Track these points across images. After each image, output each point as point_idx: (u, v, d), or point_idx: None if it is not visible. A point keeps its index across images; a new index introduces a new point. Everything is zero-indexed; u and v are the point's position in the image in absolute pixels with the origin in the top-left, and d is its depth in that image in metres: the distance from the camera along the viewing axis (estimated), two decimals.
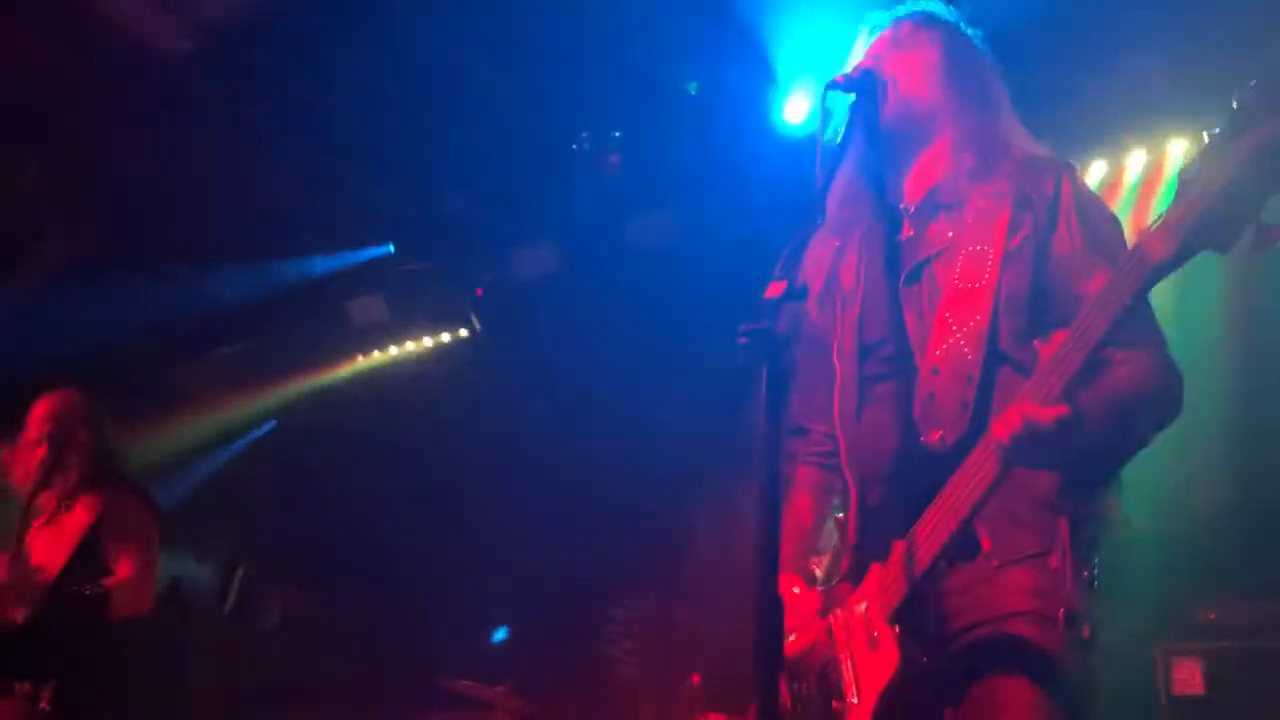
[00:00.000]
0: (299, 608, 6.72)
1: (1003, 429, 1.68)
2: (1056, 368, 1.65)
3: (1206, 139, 1.44)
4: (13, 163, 5.18)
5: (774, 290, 1.52)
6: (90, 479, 3.74)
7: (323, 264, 6.04)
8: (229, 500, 6.78)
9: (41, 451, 3.71)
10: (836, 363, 2.13)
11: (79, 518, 3.66)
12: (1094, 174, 4.52)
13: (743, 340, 1.49)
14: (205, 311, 5.97)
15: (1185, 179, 1.47)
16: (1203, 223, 1.44)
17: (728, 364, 1.54)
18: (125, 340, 5.77)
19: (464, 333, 6.51)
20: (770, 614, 1.51)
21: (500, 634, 5.98)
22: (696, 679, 3.66)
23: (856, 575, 1.97)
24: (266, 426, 7.01)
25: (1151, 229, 1.51)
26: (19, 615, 3.51)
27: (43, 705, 3.44)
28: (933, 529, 1.80)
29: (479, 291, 6.39)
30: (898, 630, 1.84)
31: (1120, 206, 4.40)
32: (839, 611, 1.99)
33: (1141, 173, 4.45)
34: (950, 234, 2.02)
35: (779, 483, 1.58)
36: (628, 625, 5.55)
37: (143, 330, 5.83)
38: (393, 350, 6.68)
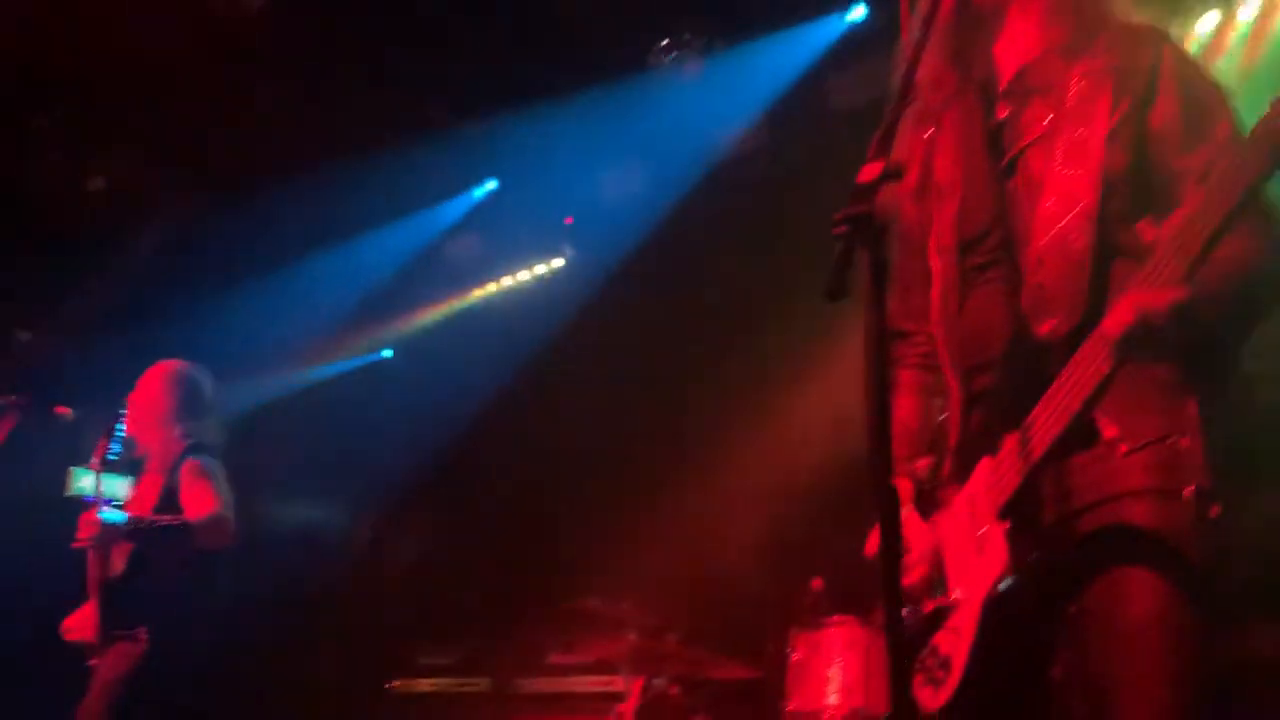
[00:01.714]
0: (427, 546, 6.96)
1: (1115, 322, 1.62)
2: (1176, 251, 1.58)
3: None
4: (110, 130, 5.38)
5: (869, 173, 1.46)
6: (167, 442, 3.99)
7: (422, 206, 6.17)
8: (352, 444, 7.02)
9: (127, 420, 4.00)
10: (935, 259, 2.06)
11: (155, 477, 3.93)
12: (1206, 23, 4.29)
13: (840, 229, 1.44)
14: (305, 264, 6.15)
15: None
16: None
17: (823, 264, 1.49)
18: (234, 299, 6.00)
19: (557, 262, 6.56)
20: (888, 509, 1.48)
21: None
22: (818, 584, 3.67)
23: (960, 476, 1.93)
24: (379, 356, 7.26)
25: None
26: (117, 567, 3.75)
27: (143, 648, 3.70)
28: (1047, 420, 1.75)
29: (568, 220, 6.41)
30: (1008, 526, 1.79)
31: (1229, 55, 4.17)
32: (943, 514, 1.95)
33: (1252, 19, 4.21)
34: (1048, 117, 1.93)
35: (887, 373, 1.54)
36: (743, 539, 5.59)
37: (249, 289, 6.04)
38: (493, 285, 6.83)
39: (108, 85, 5.18)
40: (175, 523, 3.76)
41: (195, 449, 3.96)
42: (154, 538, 3.75)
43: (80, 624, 3.84)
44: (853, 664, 3.40)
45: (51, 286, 5.96)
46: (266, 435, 6.78)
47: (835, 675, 3.42)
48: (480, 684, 5.93)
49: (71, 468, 6.14)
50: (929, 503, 2.01)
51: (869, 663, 3.42)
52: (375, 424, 6.97)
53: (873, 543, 2.11)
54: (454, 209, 6.49)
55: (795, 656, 3.53)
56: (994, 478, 1.84)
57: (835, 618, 3.54)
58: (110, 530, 3.67)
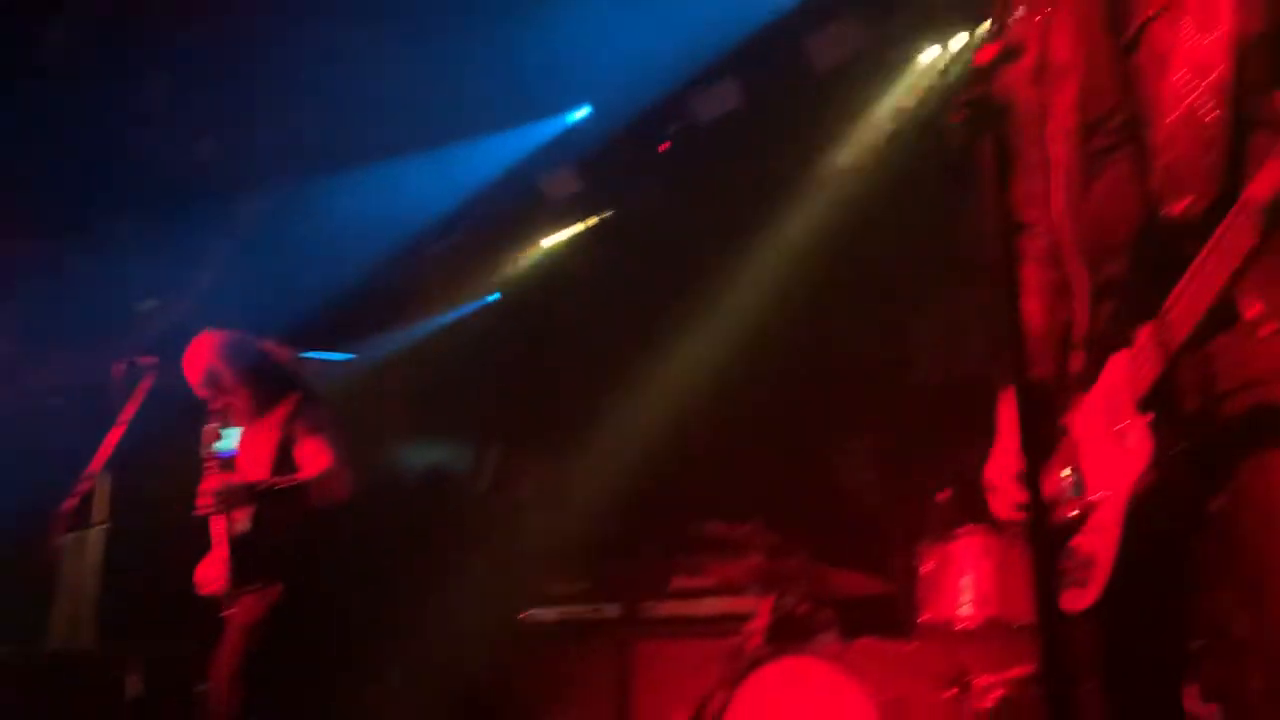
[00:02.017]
0: (547, 477, 7.08)
1: (1261, 186, 1.53)
2: None
3: None
4: None
5: (986, 54, 1.39)
6: (262, 398, 4.07)
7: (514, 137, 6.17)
8: (469, 383, 7.17)
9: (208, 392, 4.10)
10: (1055, 144, 1.95)
11: (266, 434, 3.99)
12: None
13: (959, 115, 1.37)
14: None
15: None
16: None
17: (935, 168, 1.42)
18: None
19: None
20: (1026, 406, 1.43)
21: None
22: (946, 494, 3.61)
23: (1092, 373, 1.85)
24: (489, 300, 7.38)
25: None
26: (241, 524, 3.86)
27: (274, 602, 3.82)
28: (1186, 304, 1.66)
29: (662, 148, 6.32)
30: (1150, 418, 1.72)
31: None
32: (1076, 414, 1.88)
33: None
34: None
35: (1014, 267, 1.47)
36: (864, 456, 5.53)
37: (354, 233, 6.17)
38: (592, 218, 6.84)
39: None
40: (293, 483, 3.85)
41: (307, 401, 4.05)
42: (273, 500, 3.85)
43: (211, 577, 3.96)
44: (986, 574, 3.35)
45: (175, 252, 6.19)
46: (391, 381, 6.98)
47: (967, 586, 3.37)
48: (609, 610, 6.05)
49: (203, 427, 6.42)
50: (1059, 404, 1.94)
51: (1003, 572, 3.37)
52: (493, 363, 7.09)
53: (1001, 449, 2.05)
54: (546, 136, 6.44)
55: (925, 569, 3.49)
56: (1131, 370, 1.76)
57: (966, 528, 3.48)
58: (229, 496, 3.80)
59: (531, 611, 6.47)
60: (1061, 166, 1.94)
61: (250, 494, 3.86)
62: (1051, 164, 1.96)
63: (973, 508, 3.95)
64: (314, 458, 3.91)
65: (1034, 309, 2.08)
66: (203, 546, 4.16)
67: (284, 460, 3.93)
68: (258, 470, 3.95)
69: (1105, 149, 1.88)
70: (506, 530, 7.09)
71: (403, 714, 6.38)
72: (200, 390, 4.12)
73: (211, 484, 3.81)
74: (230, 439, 6.35)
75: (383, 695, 6.22)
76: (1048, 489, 1.88)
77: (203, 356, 4.11)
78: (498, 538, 7.12)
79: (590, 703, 5.85)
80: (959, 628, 3.34)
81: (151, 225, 5.79)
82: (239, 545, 3.85)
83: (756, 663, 3.78)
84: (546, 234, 7.18)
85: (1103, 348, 1.84)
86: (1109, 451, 1.79)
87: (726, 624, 4.79)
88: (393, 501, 4.22)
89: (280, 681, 3.78)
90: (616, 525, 6.38)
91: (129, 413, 4.16)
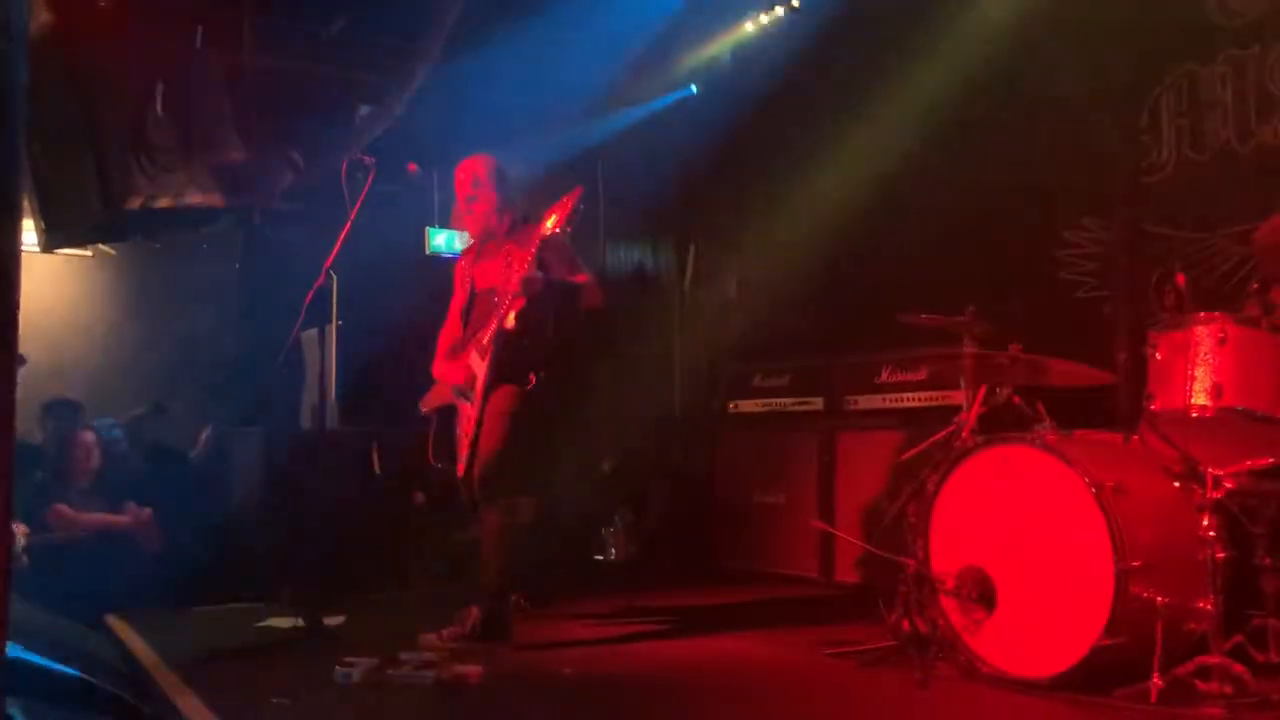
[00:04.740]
0: (751, 275, 7.09)
1: None
2: None
3: None
4: None
5: None
6: (506, 227, 4.43)
7: None
8: (675, 186, 7.17)
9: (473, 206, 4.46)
10: None
11: (518, 252, 4.24)
12: None
13: None
14: None
15: None
16: None
17: None
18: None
19: None
20: None
21: None
22: (1181, 279, 3.39)
23: None
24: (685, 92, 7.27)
25: None
26: (509, 322, 4.14)
27: (530, 389, 4.20)
28: None
29: None
30: None
31: None
32: None
33: None
34: None
35: None
36: (1086, 245, 5.25)
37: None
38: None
39: None
40: (575, 284, 4.30)
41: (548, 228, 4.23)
42: (544, 301, 4.18)
43: (456, 369, 4.37)
44: (1225, 362, 3.16)
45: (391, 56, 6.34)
46: (586, 180, 7.05)
47: (1202, 375, 3.20)
48: (814, 403, 6.13)
49: (427, 227, 6.72)
50: None
51: (1240, 361, 3.17)
52: (691, 161, 7.03)
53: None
54: None
55: (1158, 356, 3.32)
56: None
57: (1201, 315, 3.27)
58: (531, 284, 4.12)
59: (739, 403, 6.63)
60: None
61: (542, 284, 4.17)
62: None
63: (1209, 294, 3.72)
64: (571, 271, 4.31)
65: None
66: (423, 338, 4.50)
67: (541, 271, 4.23)
68: (511, 281, 4.22)
69: None
70: (713, 326, 7.21)
71: (623, 492, 6.78)
72: (461, 197, 4.49)
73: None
74: (435, 239, 6.68)
75: (603, 478, 6.62)
76: None
77: (473, 171, 4.47)
78: (705, 332, 7.25)
79: (796, 486, 6.03)
80: (1194, 414, 3.19)
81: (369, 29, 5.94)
82: (505, 340, 4.18)
83: (967, 452, 3.75)
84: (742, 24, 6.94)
85: None
86: None
87: (935, 416, 4.77)
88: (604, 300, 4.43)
89: (523, 464, 4.21)
90: (822, 319, 6.37)
91: (355, 211, 4.37)
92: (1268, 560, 3.36)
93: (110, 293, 7.25)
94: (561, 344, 4.36)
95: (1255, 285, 3.82)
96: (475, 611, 4.16)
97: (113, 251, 7.20)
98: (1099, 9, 5.03)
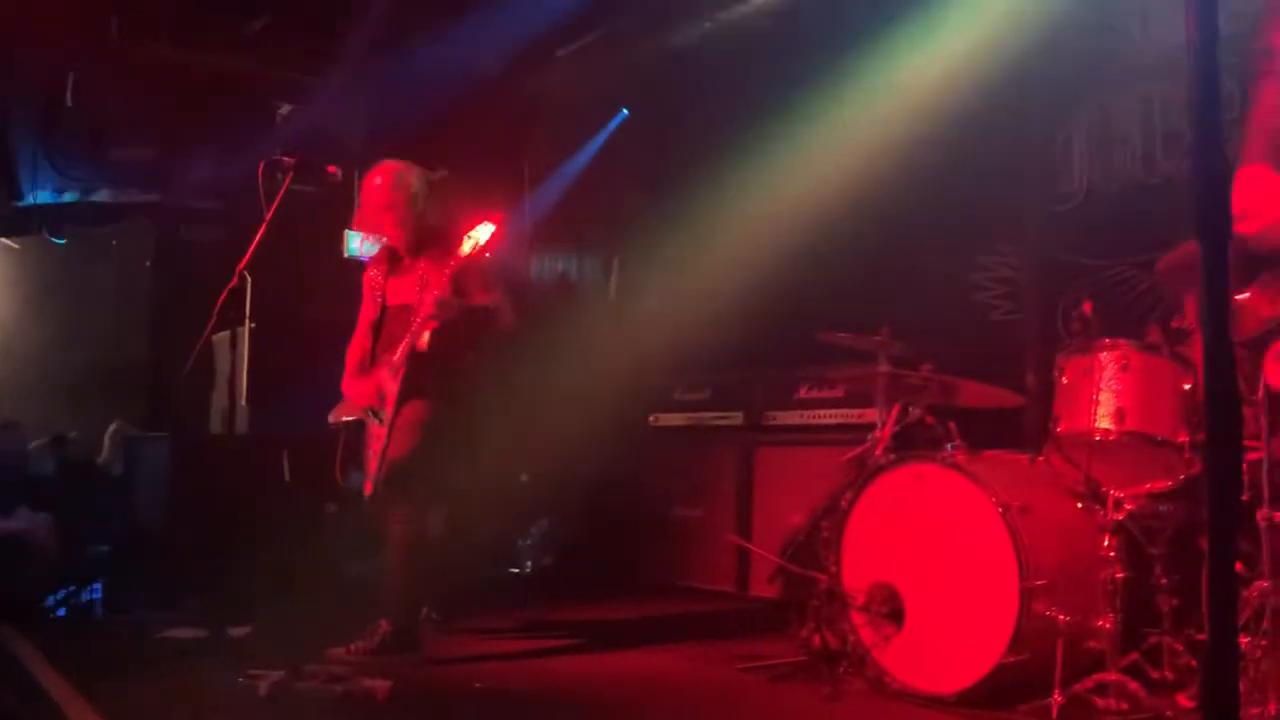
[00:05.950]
0: (675, 289, 7.10)
1: None
2: None
3: None
4: None
5: None
6: (421, 240, 4.34)
7: None
8: (601, 198, 7.13)
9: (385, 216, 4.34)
10: None
11: (434, 270, 4.17)
12: None
13: None
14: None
15: None
16: None
17: None
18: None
19: None
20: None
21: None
22: (1088, 306, 3.48)
23: None
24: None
25: None
26: (423, 342, 4.10)
27: (438, 410, 4.13)
28: None
29: None
30: None
31: None
32: None
33: None
34: None
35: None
36: (997, 270, 5.37)
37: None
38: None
39: None
40: (487, 308, 4.23)
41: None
42: (459, 322, 4.11)
43: (365, 392, 4.29)
44: (1128, 387, 3.26)
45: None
46: (512, 189, 6.99)
47: (1106, 399, 3.29)
48: (733, 418, 6.16)
49: (346, 230, 6.62)
50: None
51: (1144, 386, 3.27)
52: (617, 174, 7.02)
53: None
54: None
55: (1064, 380, 3.41)
56: None
57: (1106, 341, 3.37)
58: (445, 307, 4.05)
59: (659, 416, 6.64)
60: None
61: (458, 309, 4.10)
62: None
63: (1115, 320, 3.83)
64: (486, 293, 4.24)
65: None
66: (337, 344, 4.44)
67: (456, 293, 4.16)
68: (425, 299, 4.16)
69: None
70: (635, 339, 7.21)
71: (540, 504, 6.72)
72: (377, 202, 4.37)
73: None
74: (352, 242, 6.57)
75: (519, 489, 6.56)
76: None
77: (390, 176, 4.36)
78: (627, 346, 7.24)
79: (714, 499, 6.05)
80: (1097, 438, 3.28)
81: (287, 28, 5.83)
82: (418, 360, 4.11)
83: (881, 469, 3.81)
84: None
85: None
86: None
87: (850, 433, 4.83)
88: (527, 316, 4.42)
89: (433, 472, 4.16)
90: (743, 335, 6.40)
91: (271, 212, 4.28)
92: (1164, 580, 3.46)
93: (11, 287, 6.99)
94: (475, 364, 4.33)
95: (1157, 315, 3.95)
96: (384, 625, 4.08)
97: (16, 246, 6.94)
98: (1016, 41, 5.15)
